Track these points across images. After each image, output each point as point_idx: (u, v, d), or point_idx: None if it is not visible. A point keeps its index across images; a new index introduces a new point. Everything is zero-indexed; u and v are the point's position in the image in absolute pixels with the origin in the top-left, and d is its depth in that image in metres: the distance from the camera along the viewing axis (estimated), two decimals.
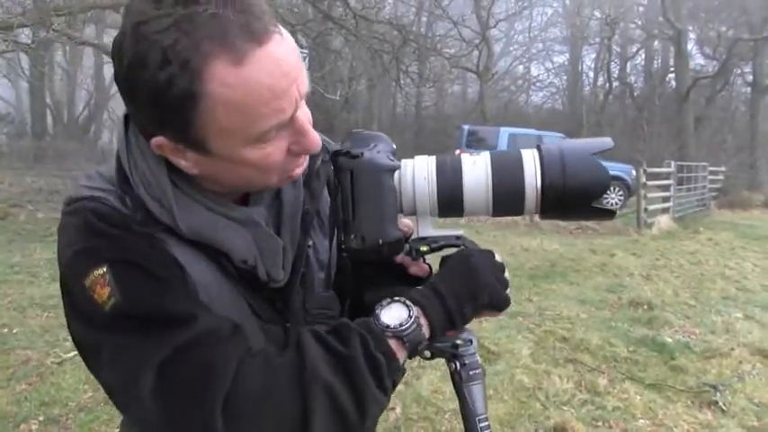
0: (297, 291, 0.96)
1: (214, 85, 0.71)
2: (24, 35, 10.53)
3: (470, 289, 0.87)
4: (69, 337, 0.85)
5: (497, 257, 0.92)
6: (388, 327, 0.81)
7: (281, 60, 0.74)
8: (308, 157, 0.89)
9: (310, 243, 0.99)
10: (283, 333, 0.94)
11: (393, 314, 0.83)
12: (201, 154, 0.78)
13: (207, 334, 0.76)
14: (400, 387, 3.87)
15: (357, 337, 0.78)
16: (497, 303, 0.89)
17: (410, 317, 0.82)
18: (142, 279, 0.77)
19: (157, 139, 0.77)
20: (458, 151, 10.66)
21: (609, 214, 0.92)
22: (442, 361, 0.95)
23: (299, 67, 0.77)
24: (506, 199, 0.88)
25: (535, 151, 0.89)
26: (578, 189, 0.86)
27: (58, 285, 0.86)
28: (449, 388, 3.86)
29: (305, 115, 0.81)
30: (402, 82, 17.64)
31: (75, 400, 3.55)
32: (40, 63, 13.64)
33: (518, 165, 0.88)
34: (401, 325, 0.81)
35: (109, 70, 29.20)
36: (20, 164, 18.65)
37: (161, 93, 0.71)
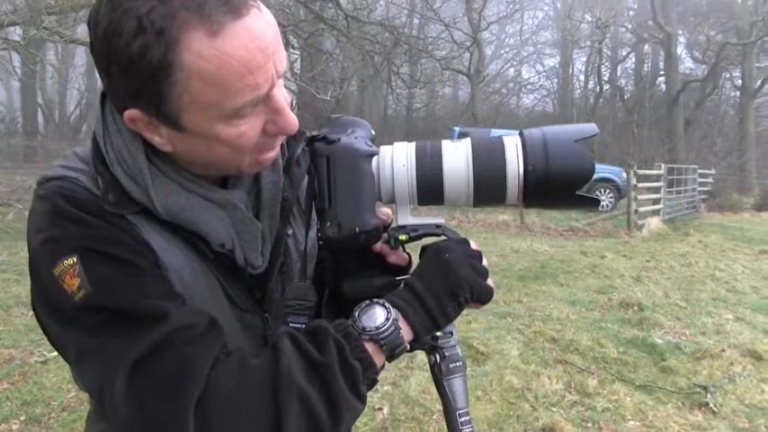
0: (276, 280, 0.94)
1: (189, 57, 0.69)
2: (16, 33, 10.45)
3: (449, 286, 0.84)
4: None
5: (473, 245, 0.89)
6: (365, 329, 0.79)
7: (257, 35, 0.72)
8: (280, 142, 0.86)
9: (290, 232, 0.97)
10: (262, 324, 0.92)
11: (371, 317, 0.81)
12: (175, 129, 0.76)
13: (181, 330, 0.73)
14: (387, 388, 3.81)
15: (333, 343, 0.76)
16: (479, 296, 0.86)
17: (388, 320, 0.80)
18: (113, 270, 0.75)
19: (131, 112, 0.76)
20: None
21: (594, 203, 0.89)
22: None
23: (277, 44, 0.75)
24: (488, 186, 0.85)
25: (518, 137, 0.86)
26: (562, 176, 0.83)
27: None
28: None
29: (282, 95, 0.79)
30: (393, 83, 17.63)
31: (58, 400, 3.50)
32: (31, 61, 13.53)
33: (500, 151, 0.85)
34: (378, 328, 0.79)
35: None
36: (10, 163, 18.51)
37: (135, 62, 0.70)
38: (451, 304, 0.84)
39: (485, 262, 0.88)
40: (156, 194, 0.80)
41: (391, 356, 0.81)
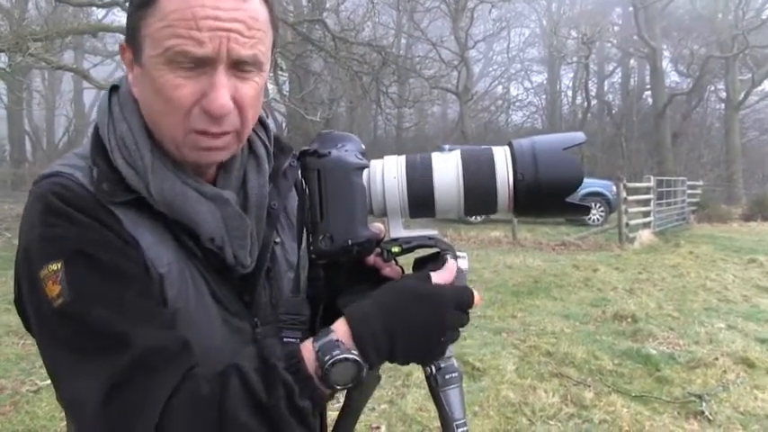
0: (263, 284, 0.95)
1: (165, 1, 0.79)
2: (1, 61, 10.44)
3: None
4: None
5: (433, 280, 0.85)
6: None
7: (221, 6, 0.78)
8: (219, 134, 0.84)
9: (277, 240, 0.99)
10: (251, 329, 0.93)
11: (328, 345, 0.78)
12: (137, 63, 0.84)
13: (148, 356, 0.76)
14: (384, 406, 3.77)
15: (281, 386, 0.76)
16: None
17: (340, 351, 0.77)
18: (97, 279, 0.78)
19: (124, 44, 0.87)
20: None
21: (584, 210, 0.90)
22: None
23: (241, 31, 0.80)
24: (478, 196, 0.86)
25: (506, 147, 0.87)
26: (551, 184, 0.84)
27: None
28: (434, 406, 3.80)
29: (228, 82, 0.81)
30: (382, 103, 17.76)
31: (51, 429, 3.45)
32: (17, 88, 13.53)
33: (489, 161, 0.86)
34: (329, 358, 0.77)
35: (88, 95, 29.19)
36: None
37: (133, 2, 0.83)
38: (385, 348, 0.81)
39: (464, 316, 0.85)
40: (154, 180, 0.83)
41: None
